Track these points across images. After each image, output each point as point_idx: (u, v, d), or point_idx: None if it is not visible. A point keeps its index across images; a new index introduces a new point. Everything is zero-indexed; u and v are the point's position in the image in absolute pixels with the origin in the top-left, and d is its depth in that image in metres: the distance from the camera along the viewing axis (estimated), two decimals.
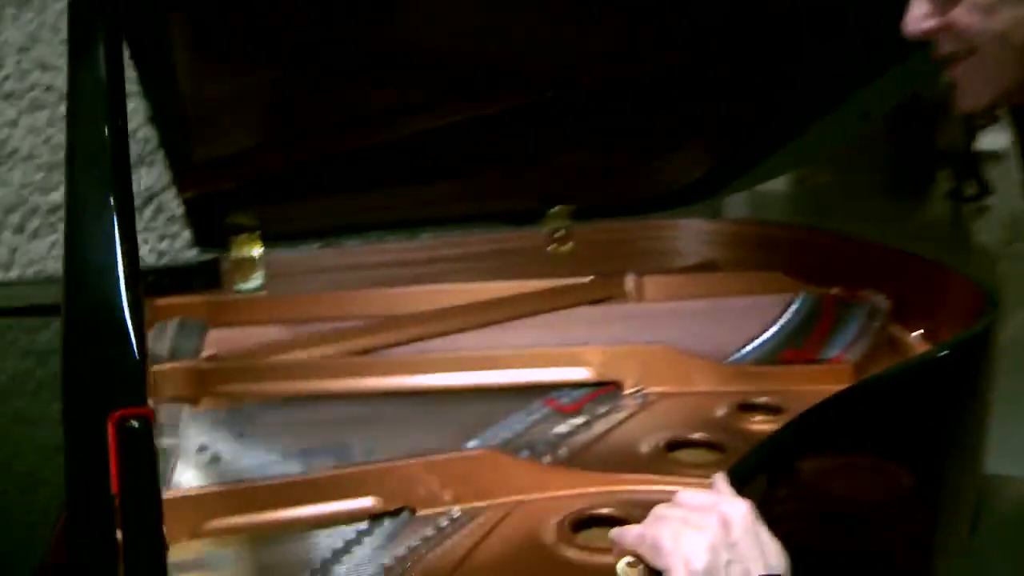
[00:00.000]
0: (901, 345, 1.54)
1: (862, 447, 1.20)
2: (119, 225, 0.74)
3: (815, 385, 1.33)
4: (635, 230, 1.92)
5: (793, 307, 1.59)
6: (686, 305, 1.66)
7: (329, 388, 1.37)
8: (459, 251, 1.86)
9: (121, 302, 0.70)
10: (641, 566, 0.83)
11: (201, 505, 1.03)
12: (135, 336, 0.70)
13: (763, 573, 0.78)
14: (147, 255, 2.01)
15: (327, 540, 1.02)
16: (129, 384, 0.69)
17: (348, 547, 1.01)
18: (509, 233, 1.90)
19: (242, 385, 1.37)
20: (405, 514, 1.06)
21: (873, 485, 1.19)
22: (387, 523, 1.04)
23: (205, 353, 1.52)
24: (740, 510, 0.82)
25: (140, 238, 2.01)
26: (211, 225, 1.70)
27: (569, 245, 1.88)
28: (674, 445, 1.20)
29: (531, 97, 1.69)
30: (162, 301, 1.66)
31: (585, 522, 1.04)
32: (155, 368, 1.36)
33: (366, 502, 1.06)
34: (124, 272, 0.71)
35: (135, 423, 0.66)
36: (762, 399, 1.31)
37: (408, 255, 1.85)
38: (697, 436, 1.21)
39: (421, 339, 1.55)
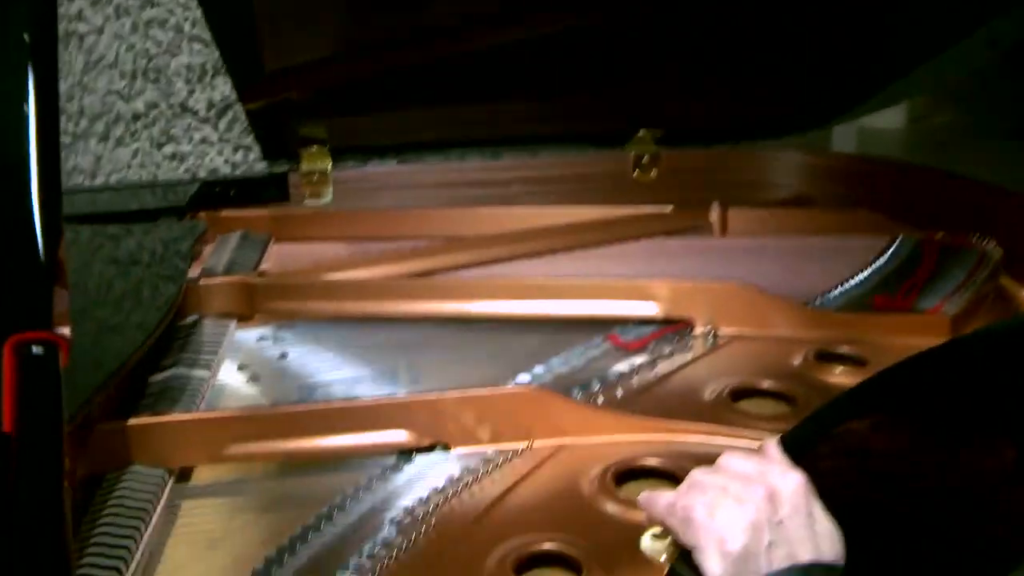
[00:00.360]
0: (1011, 299, 1.37)
1: (957, 414, 1.06)
2: (36, 116, 0.63)
3: (907, 337, 1.19)
4: (724, 159, 1.76)
5: (890, 250, 1.43)
6: (772, 242, 1.51)
7: (382, 310, 1.28)
8: (538, 173, 1.74)
9: (29, 204, 0.59)
10: (669, 540, 0.72)
11: (225, 429, 0.96)
12: (45, 246, 0.60)
13: (812, 560, 0.66)
14: (222, 166, 1.94)
15: (351, 475, 0.95)
16: (33, 303, 0.59)
17: (371, 484, 0.93)
18: (592, 156, 1.77)
19: (294, 303, 1.30)
20: (437, 451, 0.97)
21: (967, 459, 1.05)
22: (417, 460, 0.96)
23: (262, 267, 1.46)
24: (791, 484, 0.69)
25: (215, 149, 1.97)
26: (279, 137, 1.62)
27: (654, 172, 1.74)
28: (741, 394, 1.08)
29: (621, 11, 1.55)
30: (227, 213, 1.60)
31: (630, 474, 0.94)
32: (204, 282, 1.30)
33: (397, 435, 0.97)
34: (38, 172, 0.61)
35: (39, 349, 0.57)
36: (845, 349, 1.17)
37: (485, 175, 1.74)
38: (767, 385, 1.09)
39: (486, 263, 1.45)
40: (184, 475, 0.97)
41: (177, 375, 1.11)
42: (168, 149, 1.97)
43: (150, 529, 0.87)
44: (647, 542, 0.72)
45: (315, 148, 1.66)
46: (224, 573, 0.83)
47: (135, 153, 2.00)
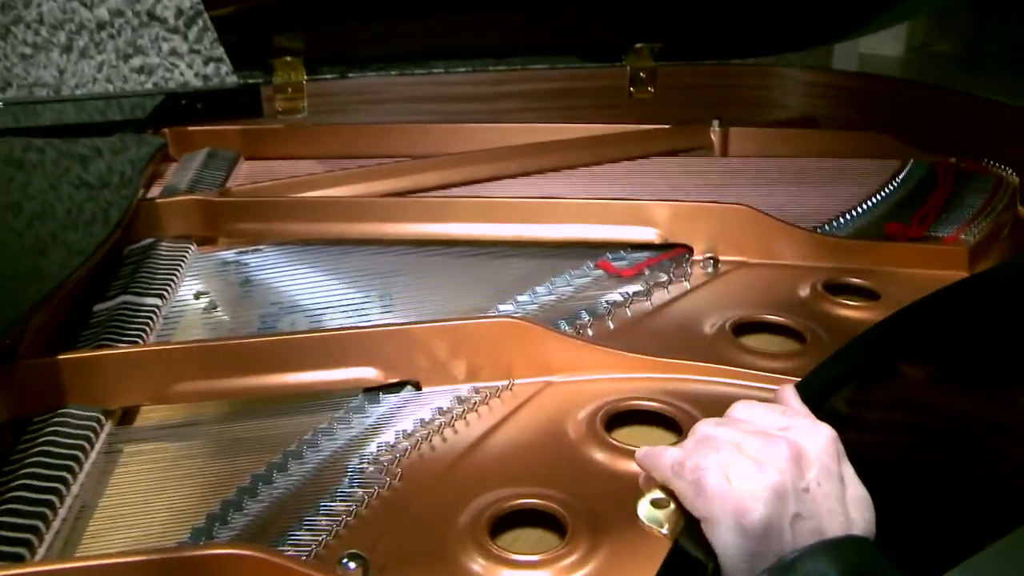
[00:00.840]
0: None
1: (987, 356, 0.94)
2: None
3: (921, 268, 1.08)
4: (725, 75, 1.63)
5: (901, 174, 1.31)
6: (777, 163, 1.38)
7: (356, 232, 1.16)
8: (527, 88, 1.60)
9: None
10: (672, 507, 0.57)
11: (171, 364, 0.84)
12: None
13: (841, 534, 0.53)
14: (192, 79, 1.80)
15: (311, 417, 0.83)
16: None
17: (332, 427, 0.81)
18: (585, 71, 1.63)
19: (260, 224, 1.17)
20: (407, 390, 0.86)
21: (993, 402, 0.93)
22: (384, 399, 0.85)
23: (230, 187, 1.33)
24: (820, 441, 0.56)
25: (184, 61, 1.82)
26: (250, 48, 1.47)
27: (651, 88, 1.61)
28: (744, 328, 0.97)
29: None
30: (194, 128, 1.46)
31: (623, 417, 0.83)
32: (162, 200, 1.17)
33: (363, 372, 0.85)
34: None
35: None
36: (855, 280, 1.06)
37: (471, 89, 1.60)
38: (772, 318, 0.98)
39: (469, 183, 1.33)
40: (127, 417, 0.86)
41: (126, 303, 0.99)
42: (135, 62, 1.82)
43: (81, 478, 0.76)
44: (645, 509, 0.57)
45: (289, 59, 1.52)
46: (164, 527, 0.72)
47: (100, 66, 1.85)
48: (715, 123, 1.45)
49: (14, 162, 1.19)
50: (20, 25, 1.85)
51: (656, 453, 0.60)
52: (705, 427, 0.59)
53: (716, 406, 0.82)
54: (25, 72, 1.90)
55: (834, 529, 0.53)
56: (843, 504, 0.54)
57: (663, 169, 1.38)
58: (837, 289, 1.04)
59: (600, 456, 0.77)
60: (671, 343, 0.93)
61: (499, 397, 0.85)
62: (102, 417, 0.81)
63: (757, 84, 1.63)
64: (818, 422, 0.57)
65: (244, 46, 1.48)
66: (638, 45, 1.60)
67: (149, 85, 1.83)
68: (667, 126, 1.45)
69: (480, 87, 1.61)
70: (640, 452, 0.61)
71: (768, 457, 0.54)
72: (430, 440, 0.79)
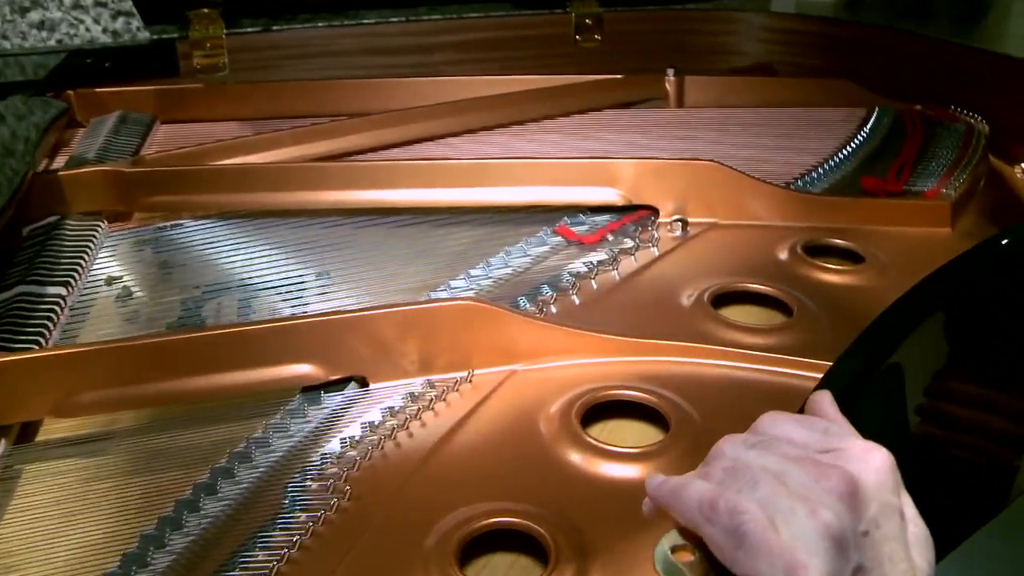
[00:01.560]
0: (1006, 182, 1.16)
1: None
2: None
3: (903, 225, 0.98)
4: (675, 20, 1.50)
5: (869, 124, 1.21)
6: (737, 114, 1.28)
7: (287, 201, 1.02)
8: (464, 37, 1.46)
9: None
10: (699, 556, 0.44)
11: (77, 369, 0.71)
12: None
13: None
14: (100, 36, 1.63)
15: (242, 424, 0.71)
16: None
17: (267, 436, 0.69)
18: (527, 17, 1.50)
19: (179, 196, 1.03)
20: (351, 387, 0.74)
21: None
22: (325, 399, 0.72)
23: (145, 155, 1.18)
24: (877, 470, 0.44)
25: (90, 16, 1.65)
26: None
27: (597, 36, 1.48)
28: (723, 299, 0.86)
29: None
30: (104, 89, 1.31)
31: (600, 408, 0.72)
32: (65, 172, 1.02)
33: (300, 369, 0.73)
34: None
35: None
36: (836, 240, 0.96)
37: (405, 40, 1.46)
38: (754, 287, 0.87)
39: (407, 143, 1.20)
40: (27, 432, 0.72)
41: (24, 294, 0.85)
42: (34, 16, 1.64)
43: None
44: (663, 560, 0.44)
45: (206, 10, 1.37)
46: (70, 565, 0.60)
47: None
48: (669, 72, 1.33)
49: None
50: None
51: (677, 488, 0.46)
52: (733, 448, 0.47)
53: (703, 391, 0.73)
54: None
55: None
56: (906, 547, 0.43)
57: (616, 123, 1.26)
58: (818, 251, 0.94)
59: (578, 459, 0.66)
60: (645, 319, 0.83)
61: (458, 391, 0.73)
62: None
63: (709, 30, 1.51)
64: (870, 444, 0.45)
65: None
66: None
67: (52, 43, 1.66)
68: (618, 76, 1.32)
69: (415, 38, 1.47)
70: (654, 484, 0.48)
71: (819, 495, 0.42)
72: (382, 448, 0.68)
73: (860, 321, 0.68)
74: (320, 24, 1.49)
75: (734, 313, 0.84)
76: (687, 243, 0.96)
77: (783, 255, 0.93)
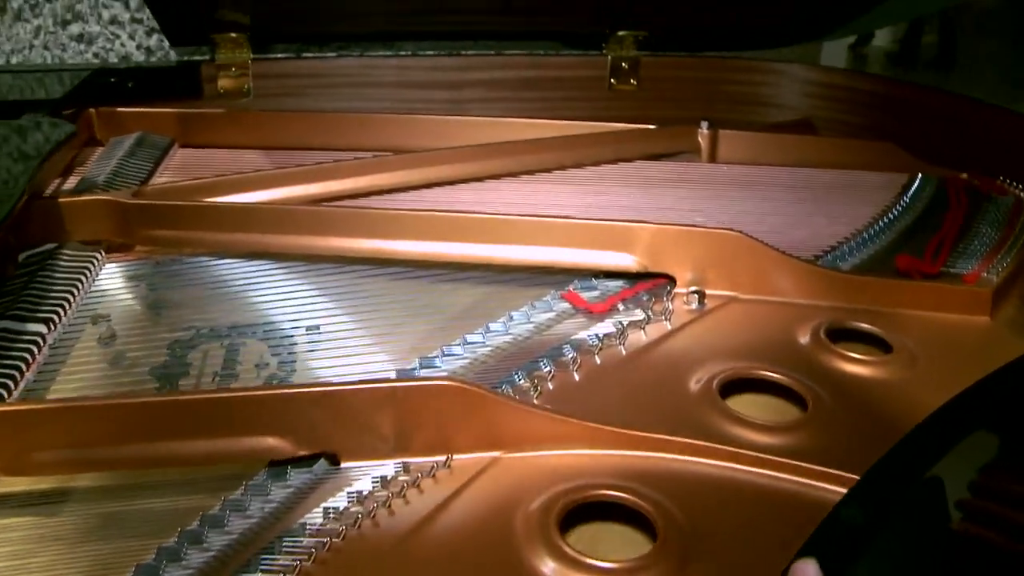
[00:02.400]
0: None
1: None
2: None
3: (937, 311, 0.90)
4: (714, 68, 1.43)
5: (910, 192, 1.13)
6: (770, 173, 1.20)
7: (285, 244, 0.97)
8: (498, 75, 1.41)
9: None
10: None
11: (34, 426, 0.65)
12: None
13: None
14: (134, 52, 1.60)
15: (200, 497, 0.65)
16: None
17: (224, 514, 0.63)
18: (562, 58, 1.44)
19: (179, 231, 0.98)
20: (321, 465, 0.68)
21: None
22: (293, 476, 0.66)
23: (157, 179, 1.14)
24: None
25: (126, 32, 1.62)
26: (187, 20, 1.28)
27: (633, 80, 1.42)
28: (731, 387, 0.79)
29: None
30: (125, 109, 1.26)
31: (585, 511, 0.65)
32: (65, 200, 0.98)
33: (270, 441, 0.67)
34: None
35: None
36: (863, 325, 0.88)
37: (436, 75, 1.41)
38: (768, 375, 0.80)
39: (425, 186, 1.14)
40: None
41: (2, 330, 0.81)
42: (74, 29, 1.62)
43: None
44: None
45: (234, 35, 1.33)
46: None
47: (37, 31, 1.65)
48: (703, 124, 1.26)
49: None
50: None
51: None
52: None
53: (699, 496, 0.66)
54: None
55: None
56: None
57: (644, 176, 1.20)
58: (842, 335, 0.87)
59: (553, 570, 0.59)
60: (647, 404, 0.76)
61: (434, 476, 0.67)
62: None
63: (749, 80, 1.44)
64: None
65: (181, 20, 1.28)
66: (621, 33, 1.41)
67: (89, 55, 1.63)
68: (650, 127, 1.26)
69: (446, 73, 1.41)
70: None
71: None
72: (343, 536, 0.62)
73: (882, 422, 0.62)
74: (352, 54, 1.44)
75: (745, 403, 0.77)
76: (703, 318, 0.89)
77: (804, 338, 0.86)
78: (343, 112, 1.30)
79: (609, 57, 1.42)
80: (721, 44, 1.46)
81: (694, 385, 0.78)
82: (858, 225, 1.05)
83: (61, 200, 0.97)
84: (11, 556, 0.62)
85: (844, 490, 0.65)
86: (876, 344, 0.86)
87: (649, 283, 0.93)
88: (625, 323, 0.86)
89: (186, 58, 1.48)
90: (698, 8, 1.39)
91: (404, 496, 0.65)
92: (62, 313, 0.86)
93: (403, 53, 1.50)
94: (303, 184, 1.08)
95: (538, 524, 0.62)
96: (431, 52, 1.50)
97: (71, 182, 1.11)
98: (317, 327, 0.85)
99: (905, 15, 1.75)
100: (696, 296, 0.91)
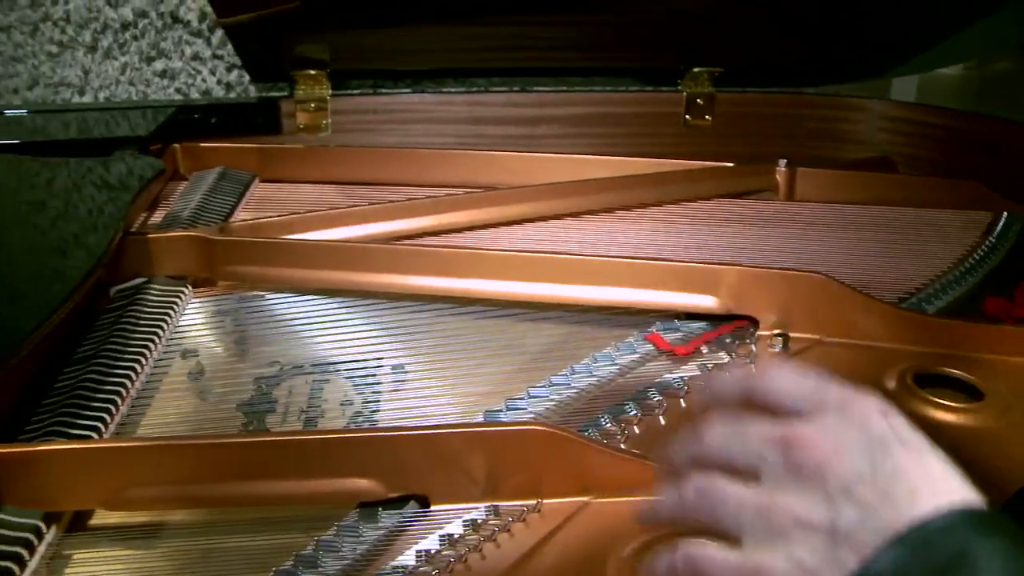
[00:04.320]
0: None
1: None
2: None
3: None
4: (792, 105, 1.43)
5: (996, 231, 1.12)
6: (850, 213, 1.19)
7: (369, 282, 0.98)
8: (572, 111, 1.42)
9: None
10: None
11: (129, 463, 0.67)
12: None
13: None
14: (215, 87, 1.64)
15: (289, 538, 0.66)
16: None
17: (316, 555, 0.64)
18: (636, 94, 1.44)
19: (262, 268, 1.00)
20: (411, 507, 0.68)
21: None
22: (384, 518, 0.67)
23: (239, 214, 1.16)
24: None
25: (207, 67, 1.66)
26: (267, 58, 1.31)
27: (708, 116, 1.42)
28: None
29: None
30: (208, 144, 1.30)
31: None
32: (154, 235, 1.01)
33: (358, 483, 0.68)
34: None
35: None
36: (953, 371, 0.87)
37: (510, 110, 1.42)
38: None
39: (501, 223, 1.15)
40: (78, 521, 0.69)
41: (95, 368, 0.83)
42: (158, 65, 1.66)
43: None
44: None
45: (313, 72, 1.35)
46: None
47: (124, 68, 1.70)
48: (781, 163, 1.26)
49: None
50: (48, 23, 1.71)
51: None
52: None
53: None
54: (52, 71, 1.76)
55: None
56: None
57: (721, 215, 1.19)
58: (930, 381, 0.86)
59: None
60: None
61: (524, 521, 0.68)
62: (42, 525, 0.65)
63: (827, 116, 1.43)
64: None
65: (262, 57, 1.31)
66: (696, 69, 1.41)
67: (171, 90, 1.67)
68: (727, 164, 1.26)
69: (520, 109, 1.43)
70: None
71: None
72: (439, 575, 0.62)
73: (974, 472, 0.60)
74: (427, 89, 1.46)
75: None
76: (788, 361, 0.88)
77: (890, 383, 0.85)
78: (418, 148, 1.32)
79: (684, 93, 1.42)
80: (798, 79, 1.46)
81: None
82: (943, 266, 1.04)
83: (150, 236, 1.00)
84: None
85: None
86: (966, 390, 0.85)
87: (732, 325, 0.93)
88: (709, 366, 0.86)
89: (265, 94, 1.51)
90: (772, 44, 1.39)
91: (495, 540, 0.66)
92: (152, 347, 0.88)
93: (476, 89, 1.51)
94: (383, 221, 1.10)
95: (631, 572, 0.62)
96: (504, 88, 1.52)
97: (157, 216, 1.14)
98: (401, 366, 0.86)
99: (976, 52, 1.72)
100: (780, 339, 0.91)
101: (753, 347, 0.90)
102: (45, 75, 1.77)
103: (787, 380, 0.50)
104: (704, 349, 0.89)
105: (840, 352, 0.90)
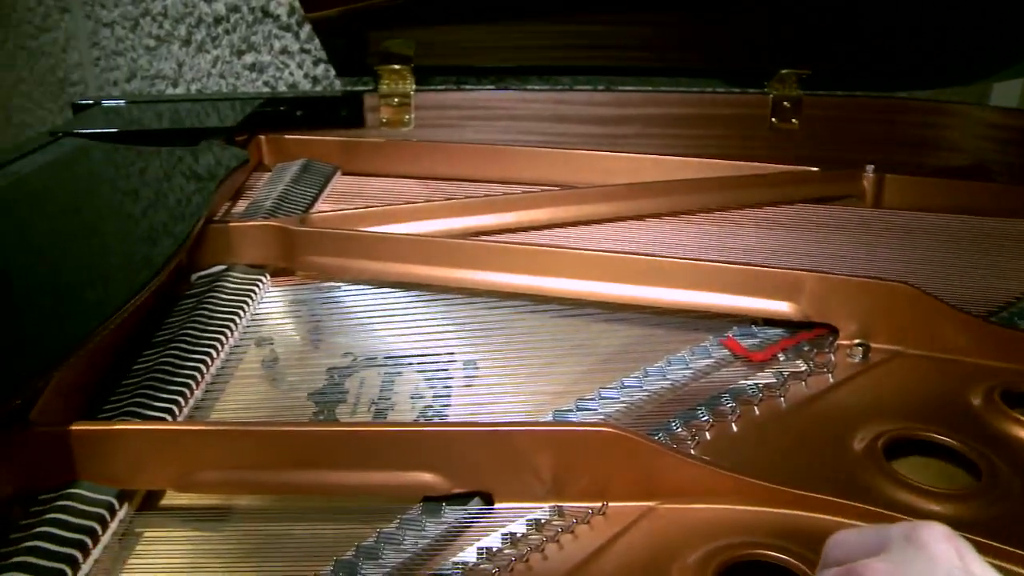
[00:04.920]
0: None
1: None
2: None
3: None
4: (883, 110, 1.39)
5: None
6: (940, 222, 1.16)
7: (445, 277, 0.98)
8: (654, 111, 1.40)
9: None
10: None
11: (199, 447, 0.68)
12: None
13: None
14: (301, 80, 1.66)
15: (349, 529, 0.66)
16: None
17: (378, 546, 0.64)
18: (721, 95, 1.42)
19: (339, 259, 1.01)
20: (475, 503, 0.68)
21: None
22: (447, 513, 0.67)
23: (320, 205, 1.18)
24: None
25: (295, 61, 1.68)
26: (353, 53, 1.32)
27: (794, 120, 1.39)
28: (896, 447, 0.75)
29: None
30: (292, 136, 1.31)
31: (741, 570, 0.63)
32: (235, 224, 1.02)
33: (421, 477, 0.68)
34: None
35: None
36: None
37: (591, 110, 1.41)
38: (938, 438, 0.76)
39: (580, 222, 1.14)
40: (150, 501, 0.71)
41: (174, 351, 0.84)
42: (248, 58, 1.69)
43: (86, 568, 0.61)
44: None
45: (397, 67, 1.36)
46: None
47: (215, 61, 1.73)
48: (868, 168, 1.22)
49: (80, 177, 1.06)
50: (147, 18, 1.75)
51: None
52: None
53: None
54: (149, 64, 1.81)
55: None
56: None
57: (804, 220, 1.17)
58: (1020, 400, 0.82)
59: None
60: (806, 460, 0.73)
61: (588, 523, 0.67)
62: (115, 502, 0.66)
63: (919, 121, 1.38)
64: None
65: (348, 51, 1.32)
66: (784, 71, 1.38)
67: (260, 83, 1.70)
68: (811, 169, 1.23)
69: (602, 108, 1.41)
70: None
71: None
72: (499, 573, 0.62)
73: None
74: (510, 86, 1.46)
75: (911, 467, 0.74)
76: (867, 372, 0.86)
77: (976, 399, 0.81)
78: (499, 144, 1.31)
79: (771, 95, 1.39)
80: (887, 83, 1.42)
81: (857, 443, 0.75)
82: None
83: (231, 224, 1.01)
84: (177, 569, 0.64)
85: (1020, 570, 0.62)
86: None
87: (811, 333, 0.90)
88: (786, 373, 0.84)
89: (350, 88, 1.53)
90: (864, 46, 1.35)
91: (558, 541, 0.65)
92: (229, 334, 0.89)
93: (560, 87, 1.51)
94: (461, 216, 1.10)
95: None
96: (588, 87, 1.51)
97: (240, 206, 1.16)
98: (474, 362, 0.86)
99: None
100: (860, 349, 0.88)
101: (832, 356, 0.87)
102: (142, 68, 1.82)
103: (849, 535, 0.51)
104: (781, 356, 0.87)
105: (922, 364, 0.87)
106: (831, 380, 0.84)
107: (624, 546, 0.65)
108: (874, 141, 1.37)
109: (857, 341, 0.89)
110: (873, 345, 0.89)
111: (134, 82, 1.85)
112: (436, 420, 0.78)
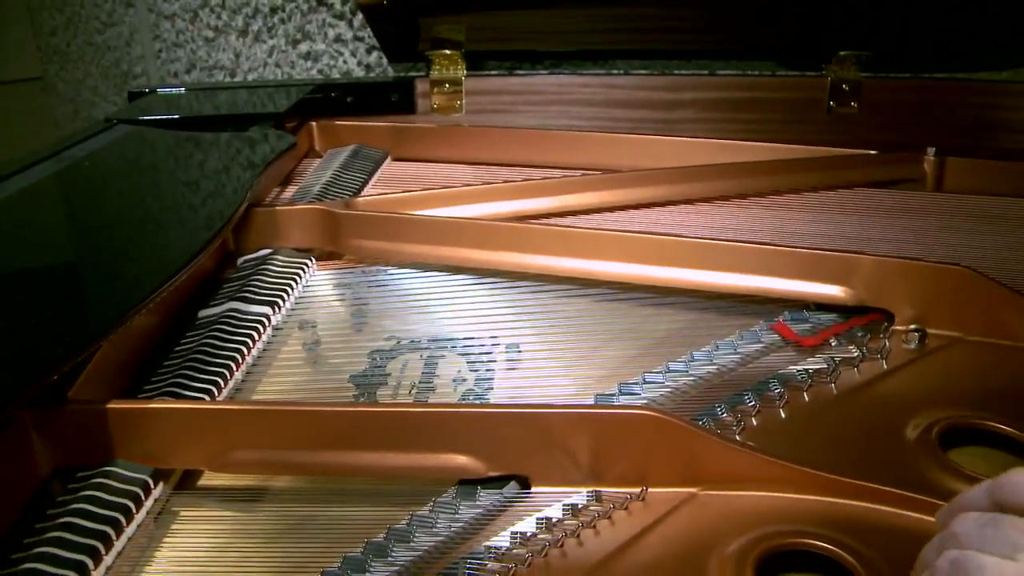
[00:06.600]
0: None
1: None
2: None
3: None
4: (944, 92, 1.33)
5: None
6: (1003, 205, 1.10)
7: (491, 260, 0.96)
8: (710, 95, 1.36)
9: None
10: None
11: (233, 426, 0.67)
12: None
13: None
14: (355, 68, 1.65)
15: (383, 512, 0.64)
16: None
17: (410, 529, 0.62)
18: (778, 78, 1.38)
19: (385, 243, 1.00)
20: (511, 487, 0.66)
21: None
22: (483, 497, 0.65)
23: (369, 191, 1.16)
24: None
25: (348, 49, 1.67)
26: (403, 38, 1.30)
27: (854, 103, 1.34)
28: (952, 437, 0.71)
29: None
30: (342, 122, 1.30)
31: (784, 559, 0.60)
32: (281, 208, 1.01)
33: (459, 460, 0.66)
34: None
35: None
36: None
37: (644, 94, 1.37)
38: (996, 427, 0.72)
39: (631, 206, 1.11)
40: (186, 480, 0.70)
41: (217, 330, 0.84)
42: (303, 47, 1.69)
43: (119, 546, 0.60)
44: None
45: (449, 52, 1.34)
46: None
47: (271, 51, 1.74)
48: (930, 151, 1.18)
49: (130, 161, 1.06)
50: (206, 9, 1.76)
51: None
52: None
53: (910, 553, 0.59)
54: (207, 55, 1.82)
55: None
56: None
57: (862, 204, 1.12)
58: None
59: None
60: (857, 448, 0.70)
61: (626, 509, 0.64)
62: (150, 481, 0.65)
63: (983, 103, 1.33)
64: None
65: (400, 38, 1.31)
66: (843, 53, 1.33)
67: (314, 72, 1.70)
68: (871, 152, 1.18)
69: (657, 92, 1.38)
70: None
71: None
72: (529, 564, 0.59)
73: None
74: (563, 71, 1.44)
75: (968, 457, 0.70)
76: (923, 359, 0.82)
77: None
78: (552, 129, 1.29)
79: (829, 78, 1.34)
80: (949, 64, 1.36)
81: (911, 432, 0.71)
82: None
83: (278, 208, 1.00)
84: (211, 548, 0.63)
85: None
86: None
87: (864, 318, 0.86)
88: (837, 359, 0.80)
89: (402, 74, 1.51)
90: (926, 26, 1.29)
91: (594, 527, 0.62)
92: (271, 316, 0.88)
93: (614, 72, 1.48)
94: (509, 200, 1.08)
95: (734, 569, 0.58)
96: (642, 71, 1.48)
97: (290, 191, 1.15)
98: (516, 345, 0.84)
99: None
100: (917, 335, 0.84)
101: (886, 342, 0.83)
102: (201, 59, 1.83)
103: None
104: (833, 342, 0.83)
105: (983, 351, 0.82)
106: (884, 367, 0.80)
107: (663, 533, 0.62)
108: (935, 125, 1.32)
109: (913, 326, 0.84)
110: (930, 331, 0.84)
111: (193, 73, 1.86)
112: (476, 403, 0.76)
